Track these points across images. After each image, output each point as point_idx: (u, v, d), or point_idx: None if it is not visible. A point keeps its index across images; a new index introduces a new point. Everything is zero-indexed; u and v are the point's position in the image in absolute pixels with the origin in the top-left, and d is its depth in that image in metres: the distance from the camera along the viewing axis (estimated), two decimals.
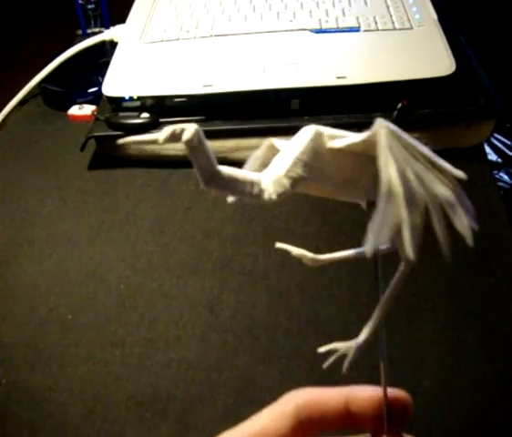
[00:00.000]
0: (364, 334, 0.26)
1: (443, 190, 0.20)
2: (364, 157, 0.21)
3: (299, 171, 0.22)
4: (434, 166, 0.21)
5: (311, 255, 0.30)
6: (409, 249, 0.19)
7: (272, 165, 0.23)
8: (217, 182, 0.21)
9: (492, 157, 0.85)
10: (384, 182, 0.19)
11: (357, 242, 0.50)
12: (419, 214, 0.19)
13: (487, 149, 0.84)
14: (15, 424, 0.40)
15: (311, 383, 0.40)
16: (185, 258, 0.49)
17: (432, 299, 0.44)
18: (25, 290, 0.48)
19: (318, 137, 0.22)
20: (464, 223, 0.20)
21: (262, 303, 0.45)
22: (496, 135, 0.86)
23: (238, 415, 0.39)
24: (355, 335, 0.42)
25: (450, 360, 0.41)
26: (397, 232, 0.19)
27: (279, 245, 0.30)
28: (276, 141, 0.24)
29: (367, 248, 0.18)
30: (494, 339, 0.42)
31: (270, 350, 0.42)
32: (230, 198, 0.27)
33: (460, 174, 0.20)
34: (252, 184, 0.22)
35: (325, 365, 0.25)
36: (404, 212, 0.19)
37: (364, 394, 0.25)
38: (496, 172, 0.84)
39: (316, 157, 0.22)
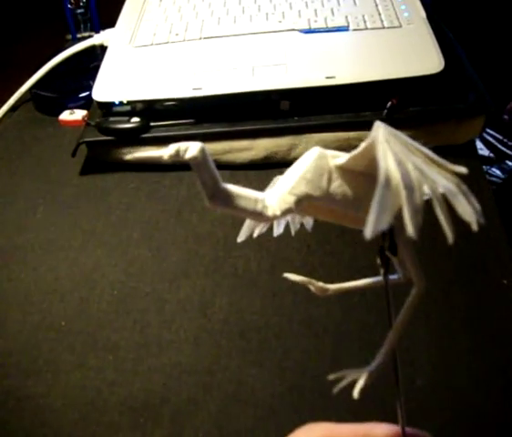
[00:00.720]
0: (377, 360, 0.25)
1: (444, 181, 0.20)
2: (368, 177, 0.21)
3: (303, 188, 0.22)
4: (434, 162, 0.21)
5: (319, 284, 0.30)
6: (410, 227, 0.18)
7: (277, 185, 0.23)
8: (221, 198, 0.21)
9: (484, 152, 0.86)
10: (381, 171, 0.19)
11: (349, 244, 0.50)
12: (419, 196, 0.19)
13: (480, 145, 0.85)
14: (9, 432, 0.40)
15: (302, 386, 0.40)
16: (177, 261, 0.49)
17: (424, 299, 0.44)
18: (18, 297, 0.48)
19: (322, 158, 0.22)
20: (467, 210, 0.19)
21: (254, 306, 0.45)
22: (489, 130, 0.86)
23: (231, 418, 0.39)
24: (347, 337, 0.42)
25: (442, 360, 0.41)
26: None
27: (286, 275, 0.30)
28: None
29: (367, 231, 0.18)
30: (486, 338, 0.42)
31: (262, 352, 0.42)
32: (239, 239, 0.27)
33: (461, 169, 0.20)
34: (256, 201, 0.22)
35: (336, 390, 0.24)
36: (403, 194, 0.18)
37: (382, 433, 0.24)
38: (488, 167, 0.85)
39: (320, 176, 0.22)
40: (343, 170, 0.22)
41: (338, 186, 0.22)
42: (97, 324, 0.46)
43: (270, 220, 0.23)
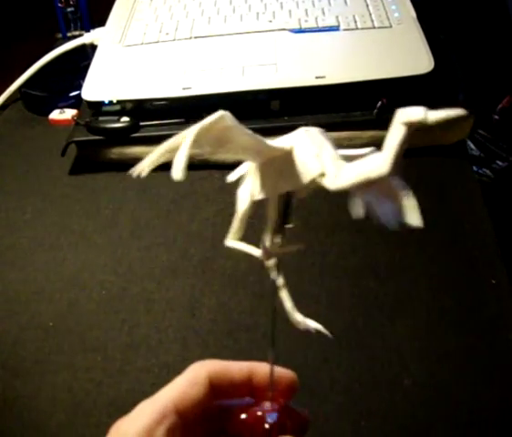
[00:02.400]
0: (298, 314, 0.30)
1: None
2: None
3: None
4: None
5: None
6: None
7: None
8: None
9: (476, 152, 0.86)
10: None
11: (337, 244, 0.50)
12: None
13: (471, 145, 0.85)
14: None
15: None
16: (166, 261, 0.49)
17: (412, 298, 0.45)
18: (6, 297, 0.48)
19: None
20: None
21: (243, 305, 0.45)
22: (480, 130, 0.86)
23: None
24: (335, 337, 0.42)
25: (430, 360, 0.41)
26: None
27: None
28: None
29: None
30: (474, 338, 0.42)
31: (250, 352, 0.42)
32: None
33: None
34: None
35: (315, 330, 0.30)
36: None
37: (263, 370, 0.30)
38: (479, 167, 0.85)
39: None
40: None
41: None
42: (86, 324, 0.45)
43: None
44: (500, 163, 0.84)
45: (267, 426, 0.27)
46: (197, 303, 0.45)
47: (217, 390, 0.28)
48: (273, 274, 0.30)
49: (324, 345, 0.42)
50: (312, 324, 0.30)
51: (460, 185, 0.54)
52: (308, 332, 0.32)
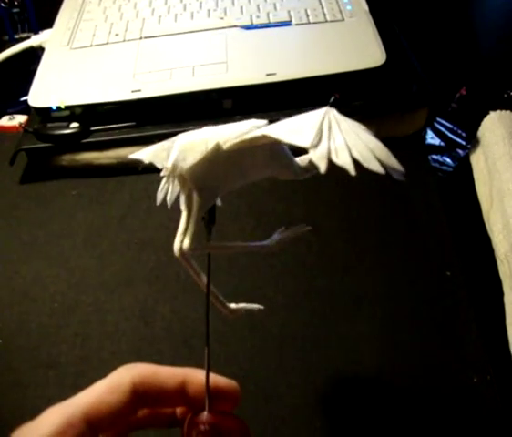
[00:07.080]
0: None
1: None
2: None
3: None
4: None
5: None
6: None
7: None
8: None
9: (435, 141, 0.87)
10: None
11: (292, 242, 0.49)
12: None
13: (431, 134, 0.86)
14: None
15: (246, 391, 0.39)
16: (119, 269, 0.48)
17: (368, 294, 0.44)
18: None
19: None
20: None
21: (197, 312, 0.44)
22: (440, 119, 0.87)
23: (175, 429, 0.38)
24: (291, 339, 0.42)
25: (386, 356, 0.41)
26: None
27: None
28: None
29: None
30: (429, 330, 0.42)
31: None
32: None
33: None
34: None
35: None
36: None
37: (199, 378, 0.27)
38: (439, 156, 0.86)
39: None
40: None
41: None
42: (37, 339, 0.44)
43: None
44: (460, 151, 0.85)
45: None
46: (150, 311, 0.44)
47: (144, 397, 0.25)
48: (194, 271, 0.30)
49: (280, 347, 0.42)
50: (247, 306, 0.31)
51: (415, 177, 0.54)
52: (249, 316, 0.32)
